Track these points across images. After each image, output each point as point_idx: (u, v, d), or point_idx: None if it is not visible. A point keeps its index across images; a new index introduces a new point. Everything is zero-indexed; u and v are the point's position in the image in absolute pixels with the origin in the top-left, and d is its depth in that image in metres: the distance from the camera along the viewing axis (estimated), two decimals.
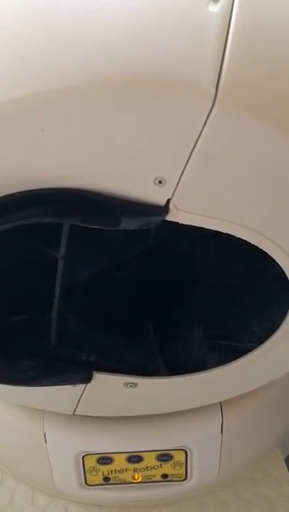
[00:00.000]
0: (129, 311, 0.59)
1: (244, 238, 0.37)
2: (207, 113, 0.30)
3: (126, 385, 0.51)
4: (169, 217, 0.35)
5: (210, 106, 0.29)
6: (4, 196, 0.35)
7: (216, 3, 0.30)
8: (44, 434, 0.61)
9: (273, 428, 0.71)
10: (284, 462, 0.72)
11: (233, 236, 0.37)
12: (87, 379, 0.49)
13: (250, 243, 0.37)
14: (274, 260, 0.39)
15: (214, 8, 0.29)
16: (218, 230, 0.37)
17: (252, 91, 0.30)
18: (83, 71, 0.29)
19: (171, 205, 0.35)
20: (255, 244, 0.38)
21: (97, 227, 0.36)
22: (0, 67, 0.30)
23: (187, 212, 0.35)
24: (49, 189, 0.34)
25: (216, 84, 0.29)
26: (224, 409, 0.62)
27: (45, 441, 0.61)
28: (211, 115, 0.30)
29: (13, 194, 0.35)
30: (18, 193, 0.35)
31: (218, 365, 0.50)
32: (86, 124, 0.31)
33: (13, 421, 0.63)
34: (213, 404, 0.61)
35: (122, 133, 0.31)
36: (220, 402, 0.62)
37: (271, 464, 0.71)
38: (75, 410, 0.56)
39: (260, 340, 0.48)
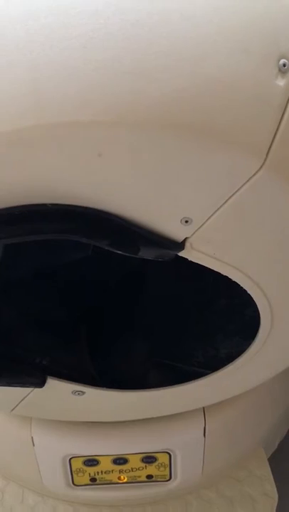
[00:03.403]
0: (77, 319, 0.60)
1: (238, 282, 0.40)
2: (253, 173, 0.32)
3: (74, 392, 0.52)
4: (182, 253, 0.37)
5: (257, 168, 0.32)
6: (37, 205, 0.35)
7: (284, 77, 0.32)
8: (32, 437, 0.63)
9: (256, 429, 0.73)
10: (267, 462, 0.74)
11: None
12: (41, 383, 0.51)
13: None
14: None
15: (281, 82, 0.31)
16: (219, 271, 0.39)
17: None
18: (160, 116, 0.30)
19: (187, 243, 0.37)
20: (245, 288, 0.40)
21: (118, 252, 0.37)
22: (75, 89, 0.30)
23: (199, 251, 0.37)
24: (83, 207, 0.35)
25: (267, 150, 0.32)
26: (207, 414, 0.64)
27: (33, 445, 0.63)
28: (256, 176, 0.32)
29: (45, 204, 0.35)
30: (51, 204, 0.35)
31: (160, 386, 0.53)
32: (143, 158, 0.32)
33: (1, 425, 0.65)
34: (196, 408, 0.63)
35: (172, 174, 0.33)
36: (203, 407, 0.63)
37: (255, 463, 0.73)
38: (13, 410, 0.56)
39: (203, 365, 0.50)
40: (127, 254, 0.37)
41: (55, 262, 0.58)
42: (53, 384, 0.51)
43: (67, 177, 0.33)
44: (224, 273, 0.39)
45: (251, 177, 0.32)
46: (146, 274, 0.51)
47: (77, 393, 0.53)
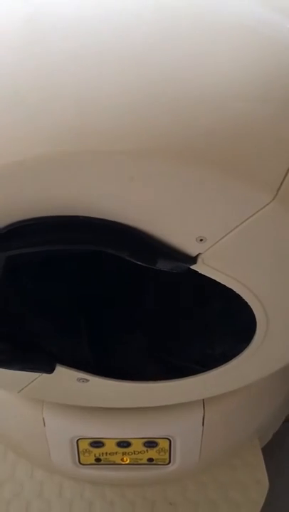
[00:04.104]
0: (82, 309, 0.64)
1: (239, 294, 0.44)
2: (264, 205, 0.36)
3: (79, 379, 0.57)
4: (194, 267, 0.41)
5: (269, 201, 0.36)
6: (69, 216, 0.39)
7: None
8: (43, 418, 0.68)
9: (252, 421, 0.77)
10: (260, 451, 0.79)
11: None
12: (50, 370, 0.55)
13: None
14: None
15: None
16: (224, 283, 0.43)
17: None
18: (188, 151, 0.35)
19: (199, 258, 0.41)
20: (246, 299, 0.45)
21: (137, 262, 0.41)
22: (116, 123, 0.34)
23: (209, 266, 0.41)
24: (110, 221, 0.39)
25: (279, 186, 0.36)
26: (206, 404, 0.68)
27: (44, 425, 0.69)
28: (266, 207, 0.36)
29: (78, 217, 0.39)
30: (83, 217, 0.39)
31: (158, 379, 0.57)
32: (169, 185, 0.36)
33: (15, 406, 0.70)
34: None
35: (192, 199, 0.37)
36: (202, 398, 0.68)
37: (249, 452, 0.78)
38: (20, 391, 0.61)
39: (199, 363, 0.54)
40: (144, 265, 0.41)
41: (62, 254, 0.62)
42: (60, 370, 0.56)
43: (100, 195, 0.37)
44: (228, 285, 0.43)
45: (262, 208, 0.36)
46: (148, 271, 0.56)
47: (81, 380, 0.57)
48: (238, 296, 0.45)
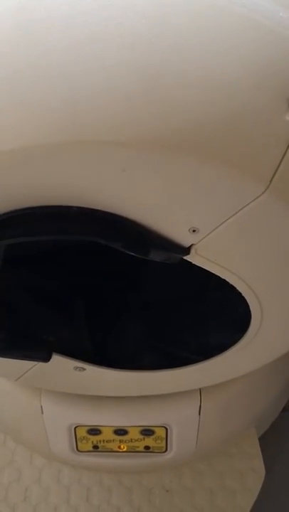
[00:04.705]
0: (78, 298, 0.65)
1: (234, 285, 0.44)
2: (256, 196, 0.36)
3: (75, 368, 0.57)
4: (187, 257, 0.41)
5: (261, 192, 0.36)
6: (61, 206, 0.39)
7: None
8: (41, 406, 0.69)
9: (250, 410, 0.78)
10: (257, 440, 0.79)
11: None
12: (46, 358, 0.55)
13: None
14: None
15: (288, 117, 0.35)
16: (217, 274, 0.43)
17: None
18: (179, 142, 0.34)
19: (192, 249, 0.41)
20: (240, 290, 0.45)
21: (130, 253, 0.41)
22: (107, 114, 0.34)
23: (202, 257, 0.42)
24: (103, 212, 0.39)
25: (271, 177, 0.36)
26: (203, 394, 0.69)
27: (42, 413, 0.69)
28: (259, 199, 0.36)
29: (71, 207, 0.39)
30: (76, 207, 0.39)
31: (155, 368, 0.58)
32: (161, 176, 0.36)
33: (14, 393, 0.71)
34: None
35: (185, 190, 0.37)
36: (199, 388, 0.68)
37: (246, 441, 0.79)
38: (18, 379, 0.62)
39: (195, 352, 0.55)
40: (137, 256, 0.41)
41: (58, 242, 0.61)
42: (56, 359, 0.56)
43: (93, 186, 0.37)
44: (222, 276, 0.43)
45: (255, 199, 0.36)
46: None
47: (78, 369, 0.58)
48: (233, 287, 0.45)
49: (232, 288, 0.45)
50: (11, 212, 0.40)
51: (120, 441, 0.72)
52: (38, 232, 0.40)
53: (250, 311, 0.48)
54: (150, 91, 0.34)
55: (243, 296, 0.46)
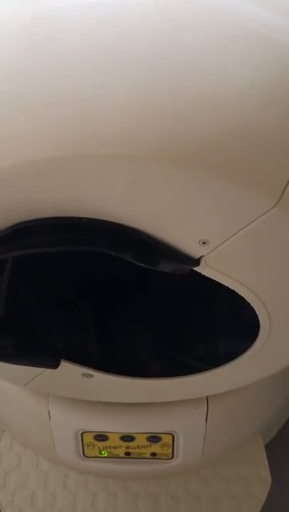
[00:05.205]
0: (87, 305, 0.65)
1: (243, 296, 0.44)
2: (267, 210, 0.37)
3: (83, 375, 0.58)
4: (197, 268, 0.42)
5: (272, 206, 0.36)
6: (72, 217, 0.40)
7: None
8: (48, 411, 0.69)
9: (256, 418, 0.78)
10: (264, 448, 0.79)
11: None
12: (55, 365, 0.56)
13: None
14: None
15: None
16: (227, 285, 0.43)
17: None
18: (191, 156, 0.35)
19: (202, 260, 0.41)
20: (249, 301, 0.45)
21: (140, 264, 0.41)
22: (119, 127, 0.34)
23: (212, 268, 0.42)
24: (114, 223, 0.40)
25: (282, 191, 0.36)
26: (210, 401, 0.69)
27: (49, 418, 0.70)
28: (269, 212, 0.37)
29: (81, 218, 0.40)
30: (86, 218, 0.40)
31: (162, 376, 0.58)
32: (172, 189, 0.36)
33: (22, 398, 0.71)
34: None
35: (196, 203, 0.37)
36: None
37: (252, 448, 0.79)
38: (26, 384, 0.62)
39: (202, 361, 0.55)
40: (147, 267, 0.41)
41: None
42: (65, 366, 0.56)
43: (104, 198, 0.37)
44: (231, 287, 0.43)
45: (265, 213, 0.37)
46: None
47: (86, 376, 0.58)
48: (242, 297, 0.45)
49: (241, 298, 0.45)
50: (22, 223, 0.41)
51: (127, 447, 0.72)
52: (48, 244, 0.40)
53: (258, 320, 0.48)
54: (163, 105, 0.34)
55: (252, 306, 0.46)
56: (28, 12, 0.36)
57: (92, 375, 0.58)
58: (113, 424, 0.70)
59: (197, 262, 0.41)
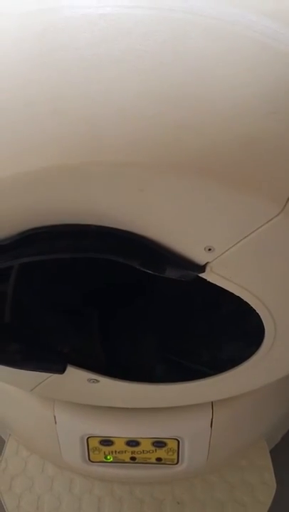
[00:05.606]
0: (93, 310, 0.66)
1: (248, 301, 0.45)
2: (272, 217, 0.37)
3: (89, 380, 0.58)
4: (202, 275, 0.42)
5: (276, 213, 0.37)
6: (80, 224, 0.40)
7: None
8: (54, 416, 0.70)
9: (261, 423, 0.78)
10: (268, 453, 0.79)
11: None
12: (62, 370, 0.56)
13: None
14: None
15: None
16: (232, 291, 0.44)
17: None
18: (197, 164, 0.35)
19: (208, 267, 0.42)
20: (254, 307, 0.45)
21: (147, 271, 0.42)
22: (128, 137, 0.35)
23: (217, 274, 0.42)
24: (122, 231, 0.40)
25: (287, 199, 0.36)
26: (215, 407, 0.69)
27: (55, 423, 0.70)
28: (274, 219, 0.37)
29: (89, 225, 0.40)
30: (95, 226, 0.40)
31: (168, 381, 0.58)
32: (178, 196, 0.37)
33: (28, 403, 0.71)
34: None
35: (201, 210, 0.38)
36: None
37: (257, 453, 0.79)
38: (33, 389, 0.63)
39: (208, 366, 0.55)
40: (154, 273, 0.42)
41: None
42: (71, 371, 0.57)
43: (111, 205, 0.38)
44: (237, 293, 0.44)
45: (270, 220, 0.37)
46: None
47: (92, 381, 0.58)
48: (247, 303, 0.46)
49: (246, 303, 0.46)
50: (31, 230, 0.41)
51: (132, 452, 0.72)
52: (56, 250, 0.41)
53: (264, 326, 0.48)
54: (169, 114, 0.35)
55: (257, 312, 0.47)
56: (39, 22, 0.36)
57: (97, 381, 0.59)
58: (118, 429, 0.70)
59: (203, 268, 0.42)
